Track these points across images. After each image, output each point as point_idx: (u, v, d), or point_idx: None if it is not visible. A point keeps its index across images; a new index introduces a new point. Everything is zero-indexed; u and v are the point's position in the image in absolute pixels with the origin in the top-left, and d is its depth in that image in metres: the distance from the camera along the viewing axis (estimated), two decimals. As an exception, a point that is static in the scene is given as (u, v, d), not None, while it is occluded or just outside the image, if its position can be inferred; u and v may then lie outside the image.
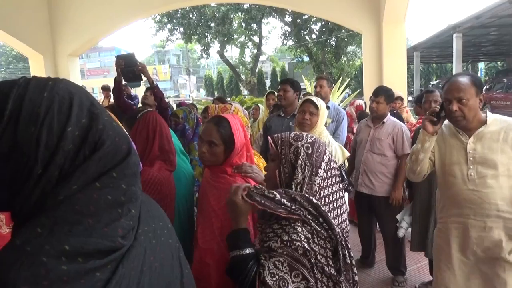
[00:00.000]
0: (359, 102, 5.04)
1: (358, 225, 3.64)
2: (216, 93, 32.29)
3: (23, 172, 0.62)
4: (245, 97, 15.16)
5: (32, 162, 0.62)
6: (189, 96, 31.01)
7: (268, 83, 31.72)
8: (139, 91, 9.80)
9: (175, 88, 44.49)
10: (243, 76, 25.66)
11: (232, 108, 2.44)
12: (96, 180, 0.65)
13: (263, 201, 1.25)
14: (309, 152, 1.35)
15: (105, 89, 7.72)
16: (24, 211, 0.64)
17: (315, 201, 1.25)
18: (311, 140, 1.39)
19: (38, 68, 7.90)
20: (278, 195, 1.25)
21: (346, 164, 3.31)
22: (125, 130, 0.76)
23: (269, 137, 1.48)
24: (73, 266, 0.58)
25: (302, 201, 1.24)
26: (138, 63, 3.37)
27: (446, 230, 2.04)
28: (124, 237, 0.66)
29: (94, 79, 35.55)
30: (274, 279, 1.17)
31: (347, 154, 2.60)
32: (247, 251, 1.27)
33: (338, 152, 2.50)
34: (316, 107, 2.51)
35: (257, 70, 26.73)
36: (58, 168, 0.63)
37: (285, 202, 1.23)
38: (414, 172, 2.11)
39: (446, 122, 2.01)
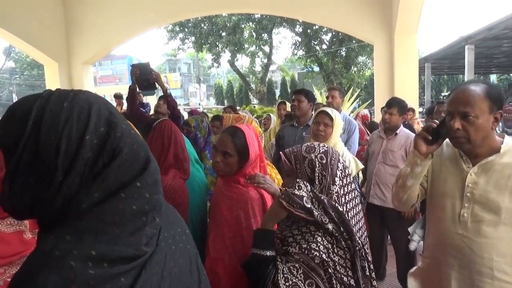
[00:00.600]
0: (363, 112, 5.04)
1: (369, 237, 3.59)
2: (226, 101, 32.50)
3: (45, 180, 0.64)
4: (255, 107, 15.22)
5: (53, 169, 0.64)
6: (199, 104, 31.23)
7: (277, 92, 31.84)
8: (150, 99, 9.90)
9: (185, 96, 44.87)
10: (253, 85, 25.79)
11: (246, 118, 2.46)
12: (121, 191, 0.67)
13: (290, 202, 1.27)
14: (324, 162, 1.35)
15: (117, 97, 7.81)
16: (48, 218, 0.66)
17: (340, 209, 1.26)
18: (323, 150, 1.40)
19: (53, 75, 8.04)
20: (305, 197, 1.26)
21: (361, 176, 3.30)
22: (142, 138, 0.78)
23: (281, 153, 1.49)
24: (99, 271, 0.60)
25: (328, 206, 1.24)
26: (152, 72, 3.42)
27: (428, 274, 1.64)
28: (147, 244, 0.68)
29: (106, 86, 36.06)
30: (287, 284, 1.18)
31: (361, 166, 2.60)
32: (269, 253, 1.29)
33: (352, 164, 2.50)
34: (331, 118, 2.52)
35: (267, 80, 26.85)
36: (79, 175, 0.65)
37: (311, 207, 1.24)
38: (399, 200, 1.63)
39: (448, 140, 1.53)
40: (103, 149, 0.67)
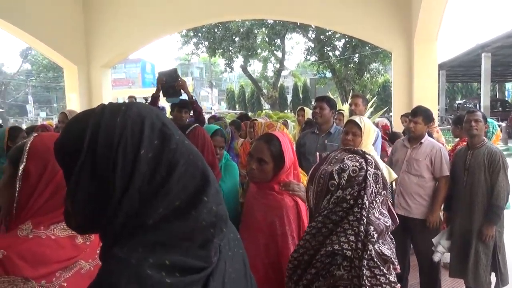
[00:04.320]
0: (383, 121, 4.96)
1: (391, 247, 3.56)
2: (237, 106, 32.52)
3: (105, 196, 0.64)
4: (268, 113, 15.25)
5: (111, 186, 0.64)
6: (211, 108, 31.34)
7: (289, 98, 31.78)
8: (165, 104, 9.97)
9: (197, 100, 45.04)
10: (264, 91, 25.82)
11: (278, 125, 2.48)
12: (192, 209, 0.66)
13: None
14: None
15: (131, 99, 7.88)
16: (112, 234, 0.66)
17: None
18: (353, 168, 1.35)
19: (72, 79, 8.18)
20: None
21: (394, 185, 3.26)
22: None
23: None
24: (175, 280, 0.61)
25: None
26: (179, 79, 3.44)
27: None
28: (215, 254, 0.69)
29: (119, 89, 36.31)
30: None
31: (394, 175, 2.56)
32: None
33: (384, 173, 2.47)
34: (359, 127, 2.51)
35: (278, 85, 26.85)
36: (137, 191, 0.64)
37: None
38: None
39: None
40: (159, 162, 0.66)
